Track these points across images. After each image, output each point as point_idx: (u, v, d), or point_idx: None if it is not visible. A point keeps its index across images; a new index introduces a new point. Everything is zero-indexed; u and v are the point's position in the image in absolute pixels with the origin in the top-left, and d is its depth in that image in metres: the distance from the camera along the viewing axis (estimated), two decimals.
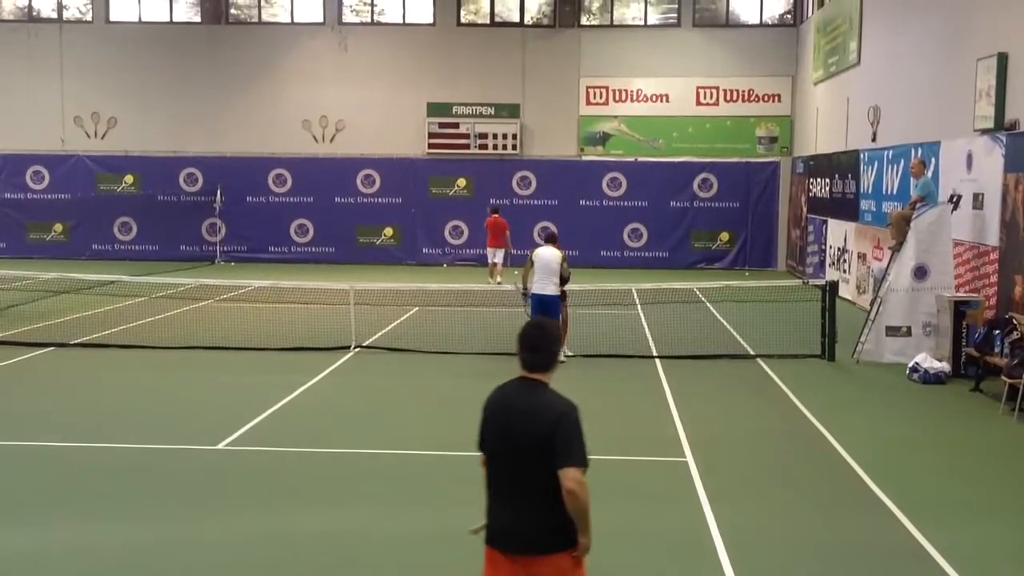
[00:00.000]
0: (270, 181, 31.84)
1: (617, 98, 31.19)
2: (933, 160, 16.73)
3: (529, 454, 4.67)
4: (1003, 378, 12.03)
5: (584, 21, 31.62)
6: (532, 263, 15.03)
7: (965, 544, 7.74)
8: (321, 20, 31.76)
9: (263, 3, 32.35)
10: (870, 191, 20.99)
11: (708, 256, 31.07)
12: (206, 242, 31.85)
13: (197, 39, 31.93)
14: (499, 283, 24.10)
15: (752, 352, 16.04)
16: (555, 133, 31.30)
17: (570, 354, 15.09)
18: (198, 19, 32.20)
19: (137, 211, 31.99)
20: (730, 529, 7.89)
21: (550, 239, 15.60)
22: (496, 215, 26.11)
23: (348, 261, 30.97)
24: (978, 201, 14.96)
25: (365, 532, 7.92)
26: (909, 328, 15.02)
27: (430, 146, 31.40)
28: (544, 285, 14.79)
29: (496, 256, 25.65)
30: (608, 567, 6.83)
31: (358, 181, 31.72)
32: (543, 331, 4.93)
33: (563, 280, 14.94)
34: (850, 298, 21.46)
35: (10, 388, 13.14)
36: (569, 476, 4.59)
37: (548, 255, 15.03)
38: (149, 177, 31.93)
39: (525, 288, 15.19)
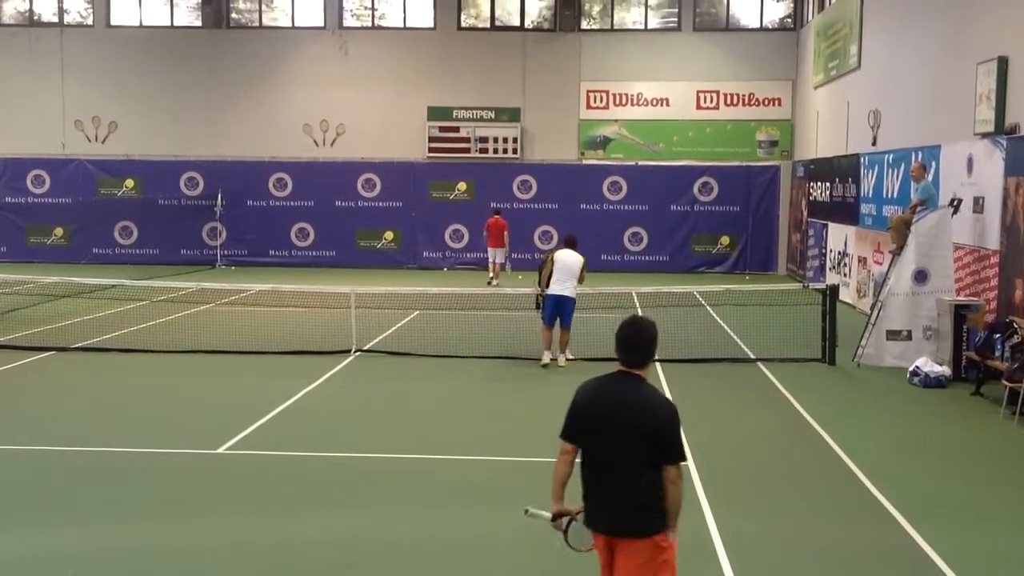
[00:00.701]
0: (271, 185, 31.84)
1: (617, 102, 31.20)
2: (933, 164, 16.73)
3: (630, 444, 4.90)
4: (1003, 382, 12.03)
5: (584, 25, 31.62)
6: (552, 264, 15.00)
7: (966, 547, 7.75)
8: (322, 24, 31.78)
9: (264, 7, 32.37)
10: (870, 195, 20.99)
11: (708, 260, 31.05)
12: (207, 246, 31.83)
13: (198, 43, 31.93)
14: (494, 283, 24.13)
15: (752, 356, 16.03)
16: (555, 137, 31.30)
17: (571, 358, 15.08)
18: (199, 23, 32.21)
19: (138, 215, 31.98)
20: (731, 533, 7.90)
21: (570, 243, 15.43)
22: (497, 216, 26.30)
23: (348, 265, 30.98)
24: (978, 205, 14.97)
25: (366, 536, 7.92)
26: (910, 332, 15.02)
27: (430, 150, 31.39)
28: (562, 286, 14.82)
29: (497, 256, 25.88)
30: None
31: (359, 185, 31.72)
32: (640, 329, 5.10)
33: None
34: (850, 302, 21.45)
35: (11, 392, 13.15)
36: (675, 471, 4.97)
37: (571, 259, 15.01)
38: (150, 181, 31.91)
39: (543, 290, 15.15)
